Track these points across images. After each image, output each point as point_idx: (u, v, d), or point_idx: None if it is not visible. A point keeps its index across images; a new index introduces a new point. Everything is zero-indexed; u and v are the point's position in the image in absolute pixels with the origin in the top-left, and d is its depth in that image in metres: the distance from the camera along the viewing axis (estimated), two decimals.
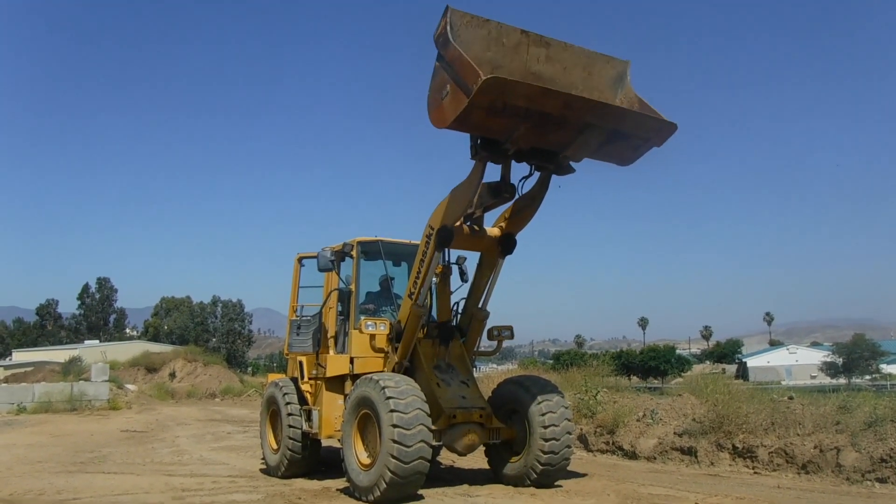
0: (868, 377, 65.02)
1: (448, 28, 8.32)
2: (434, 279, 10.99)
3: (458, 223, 9.76)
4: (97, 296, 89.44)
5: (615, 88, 9.27)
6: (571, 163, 9.48)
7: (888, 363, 73.41)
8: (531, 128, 8.41)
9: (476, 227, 10.14)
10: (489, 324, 10.98)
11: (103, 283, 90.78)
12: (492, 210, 10.17)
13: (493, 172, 9.45)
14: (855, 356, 70.91)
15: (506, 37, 8.81)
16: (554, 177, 9.69)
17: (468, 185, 9.29)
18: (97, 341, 71.66)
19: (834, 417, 11.57)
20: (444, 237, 9.59)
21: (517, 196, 9.74)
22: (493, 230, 10.26)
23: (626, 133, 8.82)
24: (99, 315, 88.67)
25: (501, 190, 9.55)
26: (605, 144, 8.95)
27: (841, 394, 13.09)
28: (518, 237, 10.29)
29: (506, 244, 10.19)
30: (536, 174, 9.68)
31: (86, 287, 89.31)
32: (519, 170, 9.61)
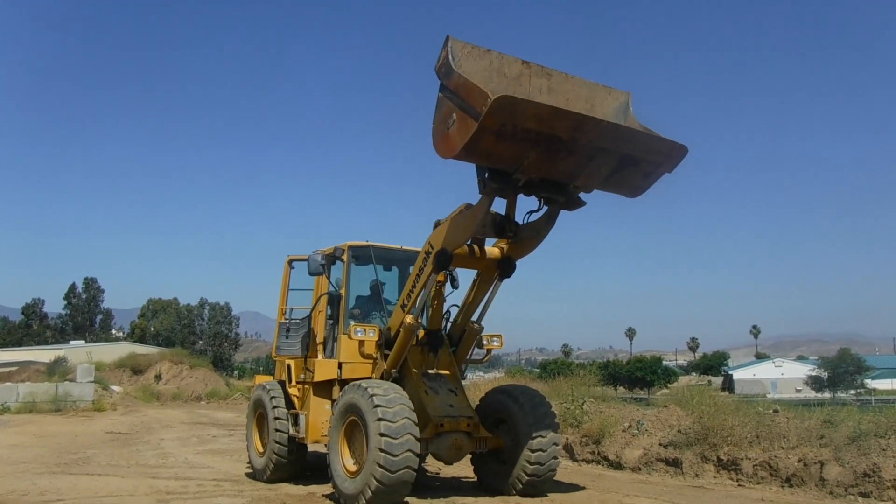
0: (853, 392, 65.39)
1: (450, 58, 8.25)
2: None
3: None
4: (84, 296, 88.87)
5: (619, 119, 9.13)
6: (582, 195, 9.29)
7: (873, 378, 73.88)
8: (541, 154, 8.22)
9: (476, 248, 10.02)
10: None
11: (90, 283, 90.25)
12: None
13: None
14: (840, 371, 71.31)
15: (507, 67, 8.75)
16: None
17: (473, 216, 9.15)
18: (83, 342, 71.14)
19: (818, 431, 11.63)
20: (442, 261, 9.52)
21: (521, 229, 9.65)
22: (493, 251, 10.12)
23: (636, 158, 8.63)
24: (85, 315, 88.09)
25: (505, 227, 9.48)
26: (616, 172, 8.73)
27: (825, 408, 13.16)
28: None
29: (505, 267, 10.08)
30: (543, 208, 9.52)
31: (72, 287, 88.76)
32: (523, 206, 9.51)
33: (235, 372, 72.95)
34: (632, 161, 8.66)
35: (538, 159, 8.31)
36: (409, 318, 9.90)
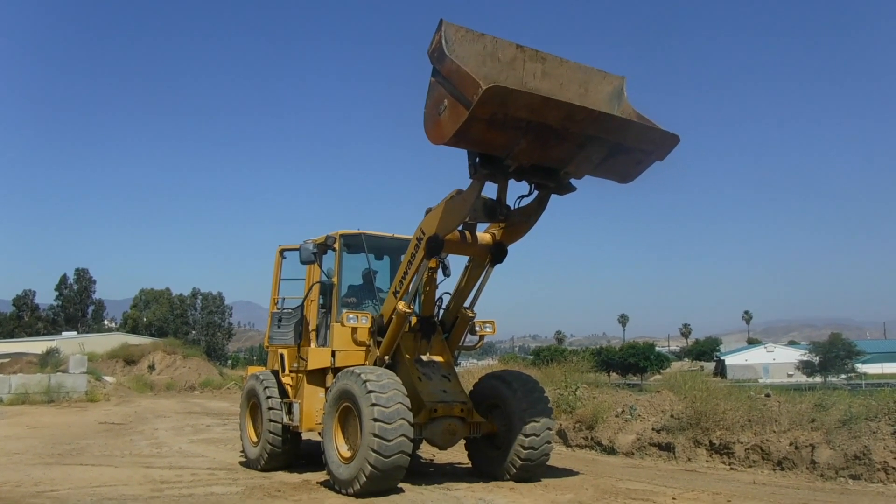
0: (843, 376, 65.88)
1: (443, 42, 8.16)
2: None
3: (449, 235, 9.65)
4: (75, 287, 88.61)
5: (612, 104, 9.10)
6: (572, 180, 9.29)
7: (863, 362, 74.40)
8: (532, 142, 8.21)
9: (468, 234, 10.02)
10: None
11: (82, 274, 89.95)
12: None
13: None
14: (831, 355, 71.84)
15: (501, 52, 8.67)
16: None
17: (464, 201, 9.15)
18: (75, 333, 71.04)
19: (809, 415, 11.72)
20: (434, 247, 9.52)
21: (512, 213, 9.64)
22: (484, 237, 10.12)
23: (627, 147, 8.62)
24: (77, 306, 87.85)
25: (497, 211, 9.47)
26: (607, 159, 8.73)
27: (817, 392, 13.25)
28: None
29: (497, 253, 10.10)
30: (534, 193, 9.51)
31: (64, 278, 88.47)
32: (514, 190, 9.49)
33: (229, 361, 73.07)
34: (623, 149, 8.65)
35: (529, 147, 8.29)
36: (401, 305, 9.90)
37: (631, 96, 9.24)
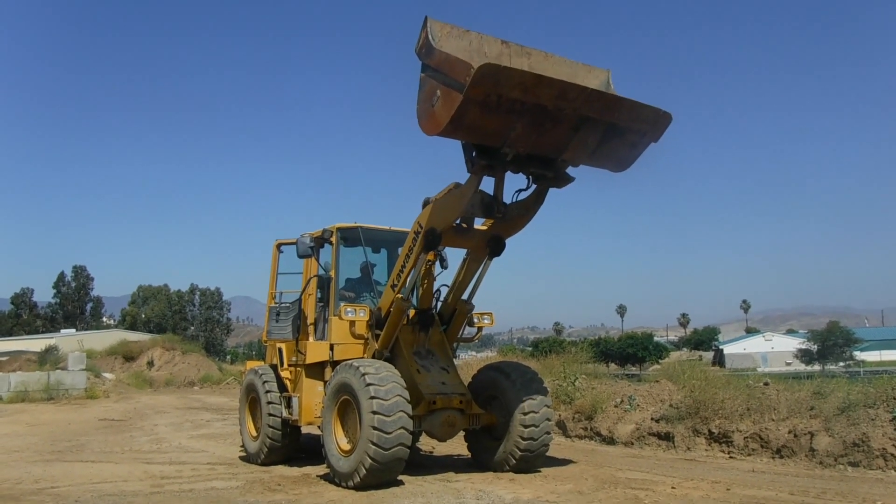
0: (842, 364, 65.87)
1: (430, 38, 8.25)
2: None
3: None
4: (73, 284, 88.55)
5: None
6: (569, 171, 9.29)
7: (861, 350, 74.47)
8: (527, 126, 8.20)
9: (465, 226, 10.00)
10: None
11: (79, 271, 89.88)
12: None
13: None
14: (829, 343, 71.87)
15: (487, 47, 8.70)
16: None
17: (462, 196, 9.14)
18: (73, 330, 70.95)
19: (808, 403, 11.74)
20: (431, 241, 9.52)
21: (508, 209, 9.62)
22: (482, 229, 10.11)
23: (622, 128, 8.63)
24: (75, 304, 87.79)
25: (493, 208, 9.45)
26: (602, 144, 8.73)
27: (815, 380, 13.27)
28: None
29: (495, 246, 10.08)
30: (532, 187, 9.50)
31: (61, 275, 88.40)
32: (511, 186, 9.49)
33: (228, 357, 72.96)
34: (617, 131, 8.64)
35: (524, 131, 8.28)
36: (399, 298, 9.90)
37: (619, 89, 9.24)
